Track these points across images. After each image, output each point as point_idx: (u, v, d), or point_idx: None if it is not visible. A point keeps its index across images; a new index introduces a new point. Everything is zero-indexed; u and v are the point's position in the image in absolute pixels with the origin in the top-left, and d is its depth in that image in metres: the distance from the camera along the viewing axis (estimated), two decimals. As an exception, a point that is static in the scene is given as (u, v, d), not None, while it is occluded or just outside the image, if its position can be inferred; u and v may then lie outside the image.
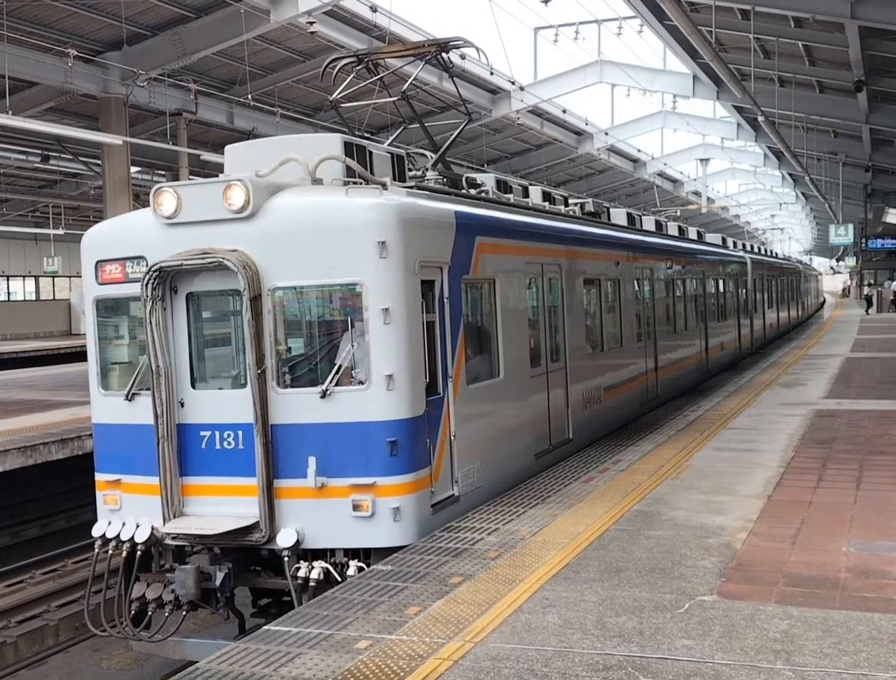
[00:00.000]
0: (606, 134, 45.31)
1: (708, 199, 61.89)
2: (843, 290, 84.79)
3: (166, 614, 8.79)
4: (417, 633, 6.17)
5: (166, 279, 8.69)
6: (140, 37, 23.77)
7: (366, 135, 24.36)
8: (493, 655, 5.77)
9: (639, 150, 52.48)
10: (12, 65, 21.11)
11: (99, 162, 27.77)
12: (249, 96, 23.86)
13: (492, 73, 30.99)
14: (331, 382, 8.31)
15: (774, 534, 8.19)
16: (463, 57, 26.04)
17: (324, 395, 8.31)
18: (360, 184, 8.97)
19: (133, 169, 29.65)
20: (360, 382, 8.39)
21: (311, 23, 22.93)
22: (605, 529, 8.45)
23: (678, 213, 45.56)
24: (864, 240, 56.38)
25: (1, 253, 50.20)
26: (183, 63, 24.02)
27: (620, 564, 7.46)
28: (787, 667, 5.45)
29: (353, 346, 8.38)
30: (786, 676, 5.34)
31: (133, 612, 8.89)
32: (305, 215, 8.50)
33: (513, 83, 33.31)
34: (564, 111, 39.97)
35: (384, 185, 8.78)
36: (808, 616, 6.23)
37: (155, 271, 8.57)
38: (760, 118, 27.29)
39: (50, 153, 34.04)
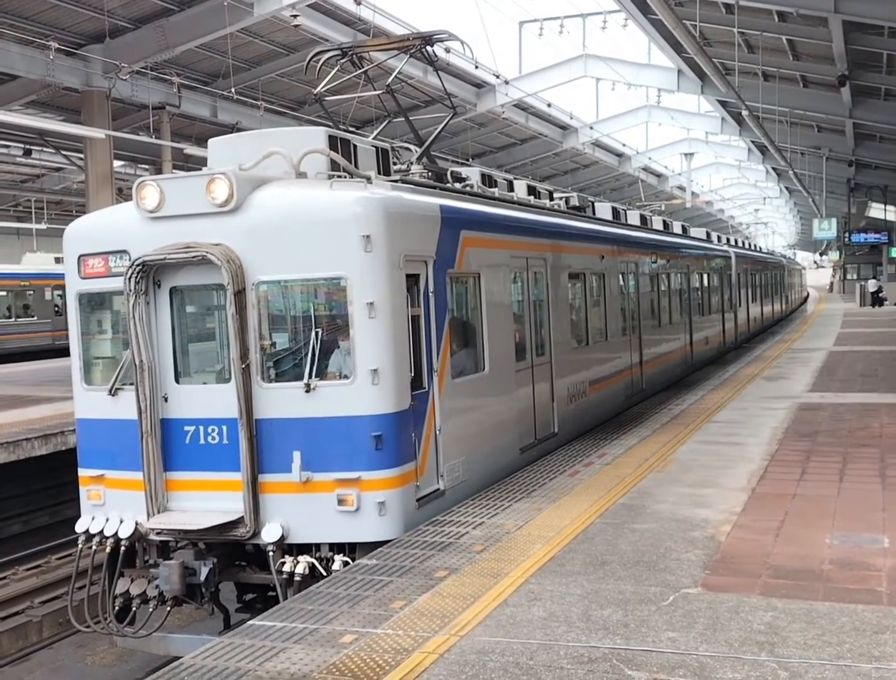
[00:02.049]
0: (591, 128, 45.33)
1: (692, 193, 62.05)
2: (830, 284, 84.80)
3: (150, 610, 8.75)
4: (403, 626, 6.17)
5: (149, 273, 8.64)
6: (122, 29, 23.60)
7: (350, 128, 24.27)
8: (478, 649, 5.77)
9: (623, 145, 52.53)
10: (-7, 58, 20.97)
11: (81, 156, 27.57)
12: (233, 90, 23.72)
13: (476, 67, 30.89)
14: (315, 376, 8.29)
15: (758, 526, 8.22)
16: (448, 50, 25.92)
17: (308, 389, 8.28)
18: (345, 177, 8.94)
19: (116, 163, 29.46)
20: (345, 377, 8.37)
21: (295, 16, 22.80)
22: (590, 523, 8.46)
23: (663, 208, 45.62)
24: (847, 234, 56.69)
25: (-17, 248, 49.85)
26: (166, 56, 23.85)
27: (605, 557, 7.47)
28: (770, 658, 5.48)
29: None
30: (770, 667, 5.37)
31: (117, 607, 8.86)
32: (290, 209, 8.47)
33: (497, 77, 33.24)
34: (549, 105, 39.95)
35: (369, 179, 8.76)
36: (791, 608, 6.26)
37: (138, 265, 8.52)
38: (744, 112, 27.36)
39: (32, 147, 33.79)
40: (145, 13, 23.38)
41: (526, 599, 6.59)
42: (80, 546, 9.14)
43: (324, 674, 5.52)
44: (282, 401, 8.38)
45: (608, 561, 7.37)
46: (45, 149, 33.62)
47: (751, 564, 7.19)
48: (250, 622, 6.55)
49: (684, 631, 5.92)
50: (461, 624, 6.17)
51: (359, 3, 23.64)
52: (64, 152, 32.16)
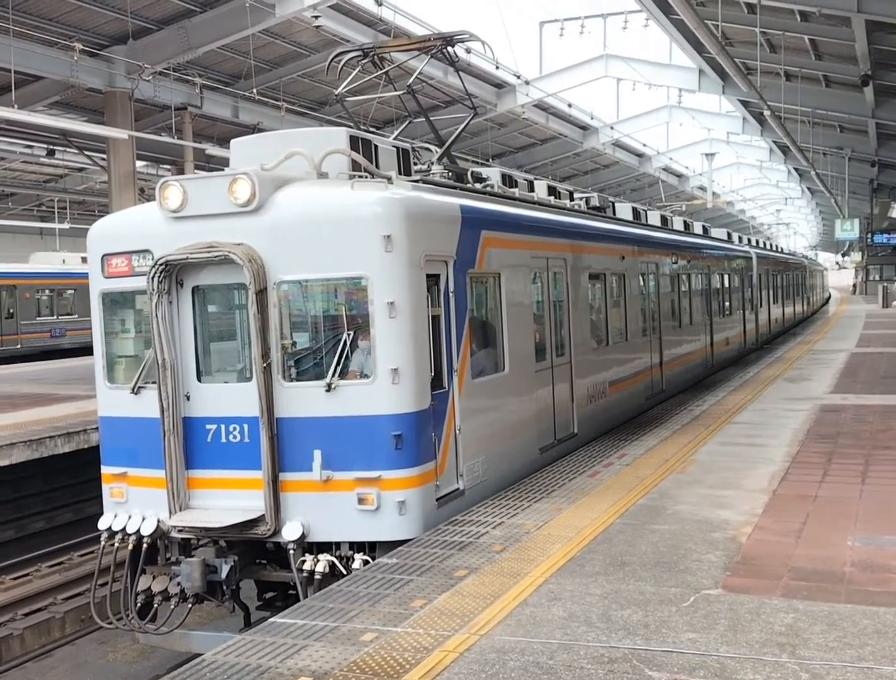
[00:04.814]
0: (612, 128, 45.23)
1: (713, 193, 61.76)
2: (853, 286, 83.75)
3: (172, 607, 8.81)
4: (423, 625, 6.19)
5: (172, 273, 8.70)
6: (145, 31, 23.76)
7: (371, 129, 24.32)
8: (498, 648, 5.78)
9: (644, 145, 52.36)
10: (18, 59, 21.12)
11: (104, 156, 27.77)
12: (255, 90, 23.84)
13: (497, 68, 30.92)
14: (335, 376, 8.33)
15: (779, 528, 8.19)
16: (468, 51, 25.95)
17: (329, 388, 8.32)
18: (366, 178, 8.97)
19: (138, 163, 29.64)
20: (366, 376, 8.40)
21: (316, 17, 22.88)
22: (610, 523, 8.45)
23: (683, 208, 45.44)
24: (869, 235, 56.30)
25: (6, 247, 50.19)
26: (188, 57, 23.99)
27: (625, 557, 7.46)
28: (792, 660, 5.46)
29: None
30: (791, 669, 5.35)
31: (139, 604, 8.92)
32: (311, 209, 8.50)
33: (518, 77, 33.24)
34: (570, 105, 39.89)
35: (390, 179, 8.78)
36: (813, 610, 6.23)
37: (161, 265, 8.59)
38: (766, 112, 27.21)
39: (55, 147, 34.05)
40: (168, 14, 23.53)
41: (546, 599, 6.59)
42: (102, 543, 9.21)
43: (344, 671, 5.54)
44: (302, 400, 8.42)
45: (628, 562, 7.36)
46: (68, 149, 33.85)
47: (772, 566, 7.17)
48: (271, 620, 6.59)
49: (705, 632, 5.91)
50: (481, 623, 6.18)
51: (380, 4, 23.71)
52: (87, 152, 32.37)
